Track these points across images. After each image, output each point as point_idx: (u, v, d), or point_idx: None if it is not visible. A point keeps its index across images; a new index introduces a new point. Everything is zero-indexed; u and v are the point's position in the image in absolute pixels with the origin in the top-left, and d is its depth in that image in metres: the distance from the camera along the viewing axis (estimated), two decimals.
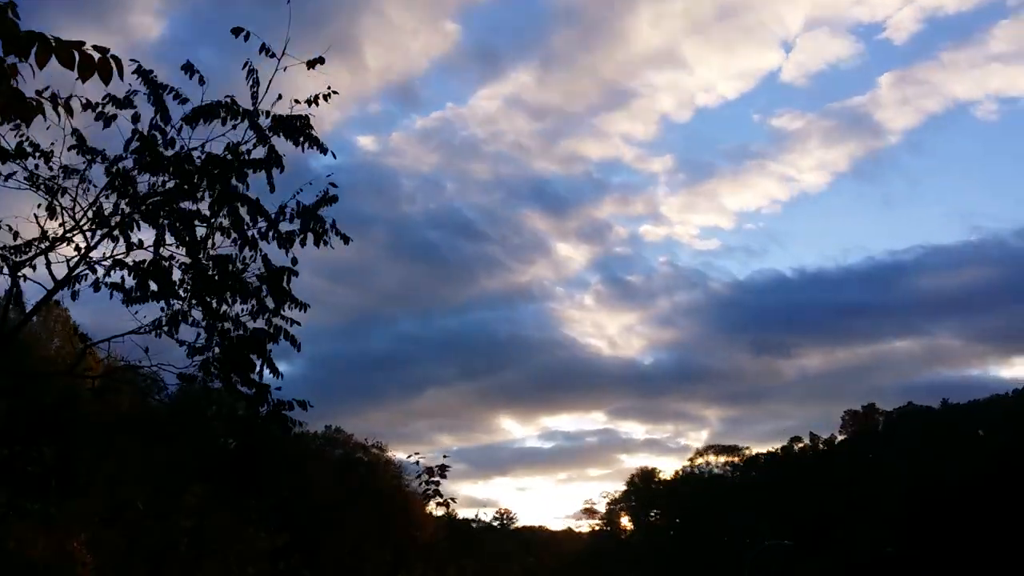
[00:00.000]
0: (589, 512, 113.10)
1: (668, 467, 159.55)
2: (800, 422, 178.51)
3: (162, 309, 6.15)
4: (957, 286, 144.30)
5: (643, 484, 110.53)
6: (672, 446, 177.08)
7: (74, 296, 6.15)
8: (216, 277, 6.01)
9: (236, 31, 5.86)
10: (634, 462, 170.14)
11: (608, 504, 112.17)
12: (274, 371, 6.19)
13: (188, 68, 6.12)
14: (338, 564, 52.43)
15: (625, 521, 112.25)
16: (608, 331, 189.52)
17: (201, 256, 5.99)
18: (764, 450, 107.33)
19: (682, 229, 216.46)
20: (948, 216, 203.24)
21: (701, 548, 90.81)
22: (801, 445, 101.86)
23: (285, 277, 6.19)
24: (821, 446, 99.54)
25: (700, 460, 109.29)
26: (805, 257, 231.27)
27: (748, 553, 68.63)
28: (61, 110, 4.64)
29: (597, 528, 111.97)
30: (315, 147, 6.19)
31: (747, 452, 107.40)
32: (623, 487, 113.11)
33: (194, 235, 5.95)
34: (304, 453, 55.44)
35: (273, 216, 6.14)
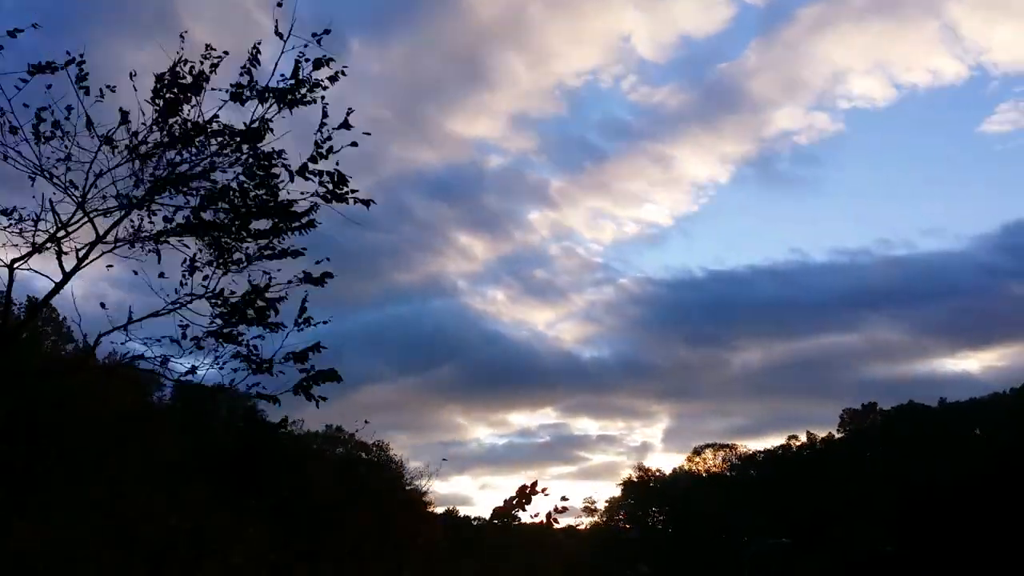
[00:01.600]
0: (588, 511, 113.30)
1: (628, 463, 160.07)
2: (752, 420, 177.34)
3: (175, 291, 6.23)
4: (878, 284, 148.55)
5: (641, 482, 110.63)
6: (631, 443, 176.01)
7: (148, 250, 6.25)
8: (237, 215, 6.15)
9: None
10: (597, 459, 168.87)
11: (607, 502, 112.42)
12: (302, 312, 6.32)
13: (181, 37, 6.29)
14: (338, 564, 52.35)
15: (624, 519, 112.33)
16: (535, 327, 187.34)
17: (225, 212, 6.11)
18: (758, 448, 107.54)
19: (573, 216, 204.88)
20: (846, 209, 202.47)
21: (699, 546, 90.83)
22: (799, 443, 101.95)
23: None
24: (819, 444, 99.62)
25: (697, 458, 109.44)
26: (707, 249, 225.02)
27: (746, 551, 68.69)
28: None
29: (597, 526, 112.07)
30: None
31: (744, 450, 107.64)
32: (590, 484, 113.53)
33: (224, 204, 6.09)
34: (304, 453, 55.43)
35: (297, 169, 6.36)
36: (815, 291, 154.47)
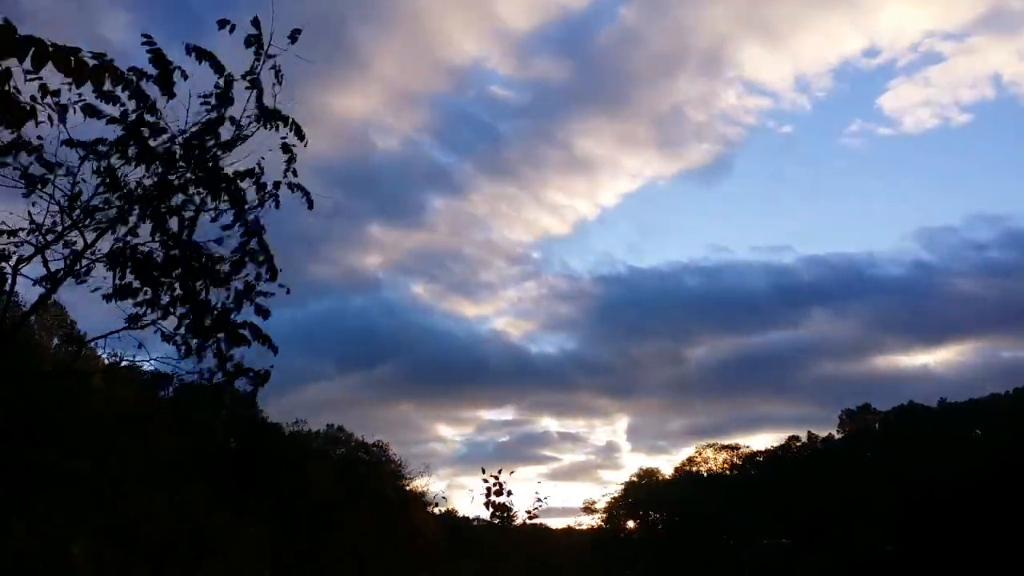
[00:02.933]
0: (588, 511, 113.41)
1: (599, 462, 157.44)
2: (712, 418, 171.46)
3: (140, 304, 6.26)
4: (812, 280, 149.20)
5: (642, 482, 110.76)
6: (596, 442, 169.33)
7: (78, 280, 6.27)
8: (196, 263, 6.15)
9: (222, 23, 5.97)
10: (567, 459, 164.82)
11: (607, 503, 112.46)
12: (270, 346, 6.28)
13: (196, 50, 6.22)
14: (338, 564, 52.50)
15: (625, 519, 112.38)
16: (470, 321, 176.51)
17: (182, 241, 6.12)
18: (760, 447, 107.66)
19: (481, 204, 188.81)
20: (757, 199, 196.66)
21: (700, 546, 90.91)
22: (799, 444, 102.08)
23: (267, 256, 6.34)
24: (818, 445, 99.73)
25: (699, 458, 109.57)
26: (623, 242, 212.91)
27: (746, 551, 68.79)
28: (54, 114, 4.77)
29: (597, 527, 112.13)
30: (296, 135, 6.36)
31: (745, 450, 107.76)
32: (566, 485, 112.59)
33: (180, 224, 6.10)
34: (304, 453, 55.54)
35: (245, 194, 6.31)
36: (750, 287, 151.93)
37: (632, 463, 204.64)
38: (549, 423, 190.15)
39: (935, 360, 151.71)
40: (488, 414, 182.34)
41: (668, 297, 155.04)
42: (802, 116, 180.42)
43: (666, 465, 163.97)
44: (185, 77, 5.98)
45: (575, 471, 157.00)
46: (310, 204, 6.50)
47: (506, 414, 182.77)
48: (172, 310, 6.16)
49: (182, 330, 6.17)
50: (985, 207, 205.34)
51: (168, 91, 6.04)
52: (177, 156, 6.09)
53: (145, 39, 5.98)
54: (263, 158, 6.37)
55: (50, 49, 3.59)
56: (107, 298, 6.18)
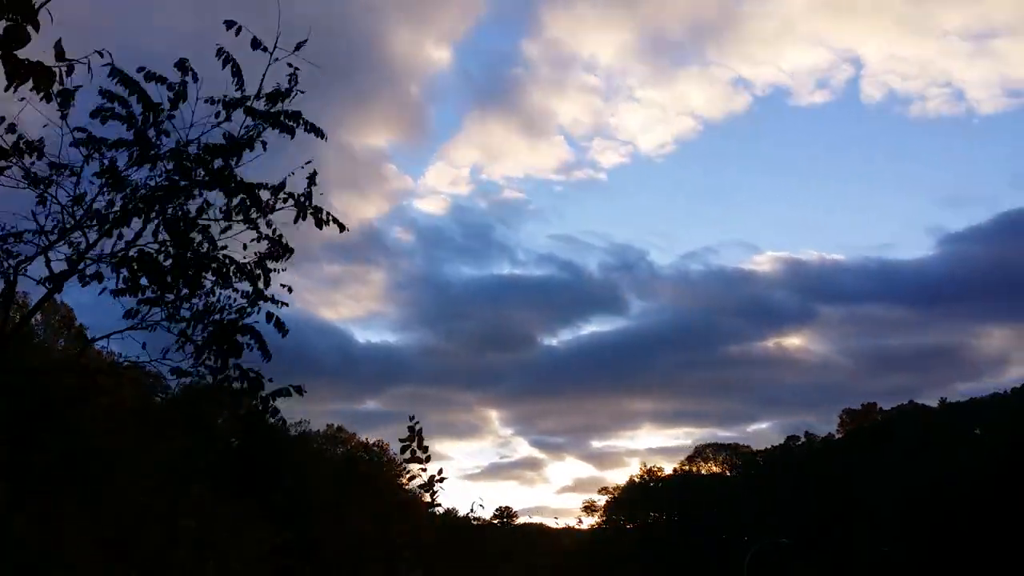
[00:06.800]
0: (589, 510, 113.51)
1: (500, 461, 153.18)
2: (592, 416, 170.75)
3: (146, 303, 6.25)
4: (604, 267, 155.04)
5: (642, 482, 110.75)
6: (488, 440, 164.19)
7: (83, 282, 6.23)
8: (201, 264, 6.11)
9: (229, 24, 5.88)
10: (472, 462, 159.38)
11: (607, 502, 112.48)
12: (265, 353, 6.29)
13: (181, 65, 6.15)
14: (338, 564, 52.49)
15: (624, 519, 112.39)
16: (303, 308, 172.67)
17: (193, 246, 6.09)
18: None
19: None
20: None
21: (700, 547, 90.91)
22: (799, 443, 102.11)
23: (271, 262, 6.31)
24: (818, 445, 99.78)
25: (698, 458, 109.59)
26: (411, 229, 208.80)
27: (746, 552, 68.73)
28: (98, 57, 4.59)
29: (596, 526, 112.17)
30: (311, 132, 6.29)
31: (746, 450, 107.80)
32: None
33: (186, 228, 6.07)
34: (304, 453, 55.56)
35: (265, 202, 6.28)
36: (542, 273, 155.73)
37: (550, 463, 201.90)
38: (425, 419, 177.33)
39: (792, 344, 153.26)
40: (352, 407, 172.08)
41: (460, 283, 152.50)
42: None
43: (590, 468, 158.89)
44: (195, 79, 5.94)
45: (494, 471, 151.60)
46: (341, 227, 6.44)
47: (367, 406, 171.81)
48: (176, 311, 6.13)
49: (189, 331, 6.17)
50: None
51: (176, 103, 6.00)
52: (186, 159, 6.03)
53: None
54: (293, 172, 6.26)
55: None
56: (115, 294, 6.14)
